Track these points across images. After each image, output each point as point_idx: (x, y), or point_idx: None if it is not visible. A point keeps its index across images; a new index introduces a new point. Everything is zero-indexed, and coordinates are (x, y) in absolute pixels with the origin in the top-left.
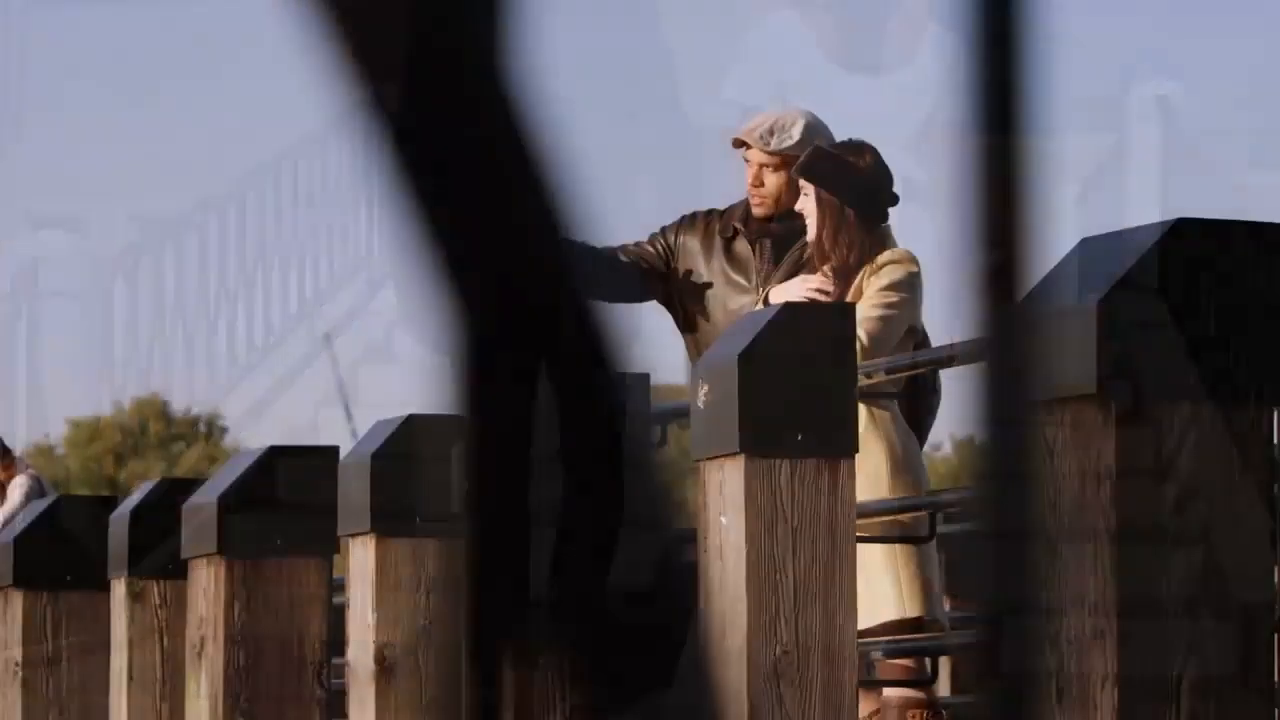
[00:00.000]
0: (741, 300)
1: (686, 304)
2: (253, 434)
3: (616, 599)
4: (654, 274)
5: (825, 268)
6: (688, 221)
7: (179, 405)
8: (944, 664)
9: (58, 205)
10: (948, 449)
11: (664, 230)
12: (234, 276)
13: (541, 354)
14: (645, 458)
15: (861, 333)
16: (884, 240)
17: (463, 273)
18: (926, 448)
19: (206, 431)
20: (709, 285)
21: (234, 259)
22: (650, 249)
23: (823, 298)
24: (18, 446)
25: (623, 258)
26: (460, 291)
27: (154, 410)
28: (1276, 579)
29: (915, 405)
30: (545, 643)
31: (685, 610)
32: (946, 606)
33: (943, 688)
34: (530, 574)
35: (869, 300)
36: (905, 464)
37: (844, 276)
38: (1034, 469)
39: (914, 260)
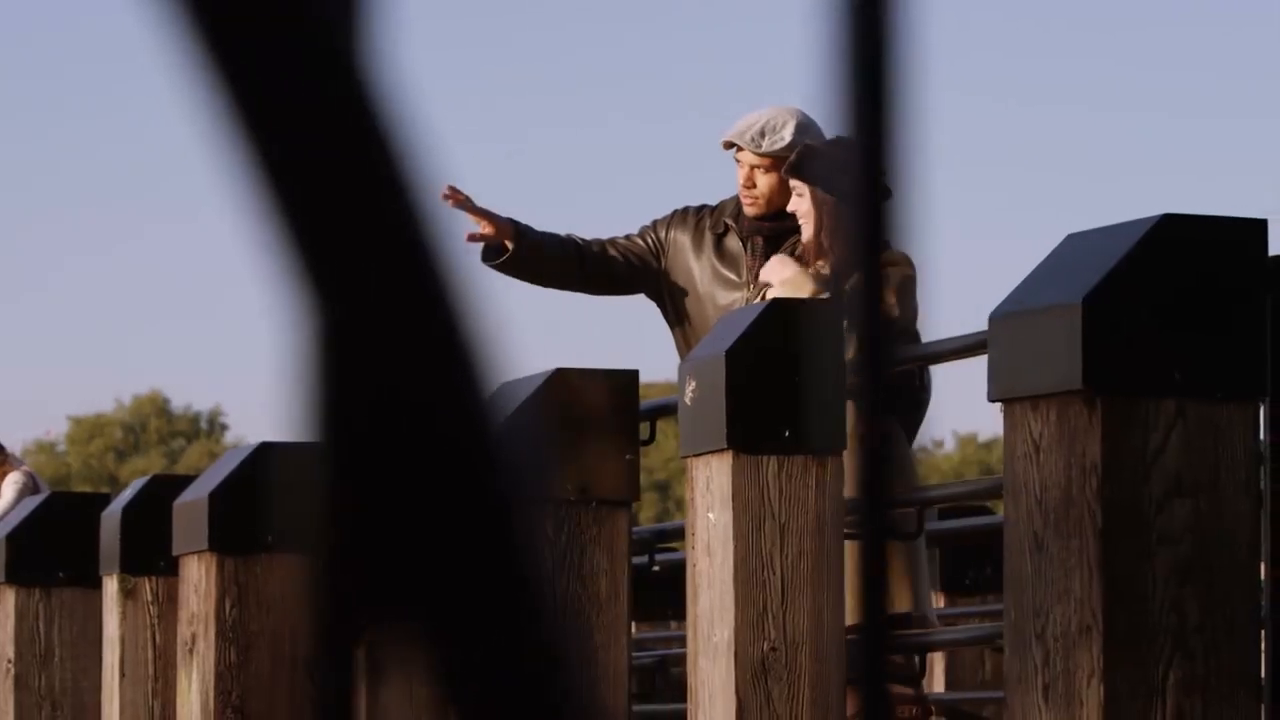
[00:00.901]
0: (731, 296)
1: (676, 299)
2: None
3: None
4: (644, 268)
5: (820, 264)
6: (679, 216)
7: (180, 402)
8: (938, 660)
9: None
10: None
11: (655, 224)
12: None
13: (404, 359)
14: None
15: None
16: None
17: (322, 273)
18: (928, 444)
19: (208, 428)
20: (699, 281)
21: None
22: (641, 243)
23: (803, 268)
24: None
25: (611, 251)
26: (319, 290)
27: (155, 407)
28: (1262, 574)
29: (905, 402)
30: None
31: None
32: (941, 603)
33: (937, 684)
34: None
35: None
36: (895, 461)
37: (842, 274)
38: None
39: (911, 263)
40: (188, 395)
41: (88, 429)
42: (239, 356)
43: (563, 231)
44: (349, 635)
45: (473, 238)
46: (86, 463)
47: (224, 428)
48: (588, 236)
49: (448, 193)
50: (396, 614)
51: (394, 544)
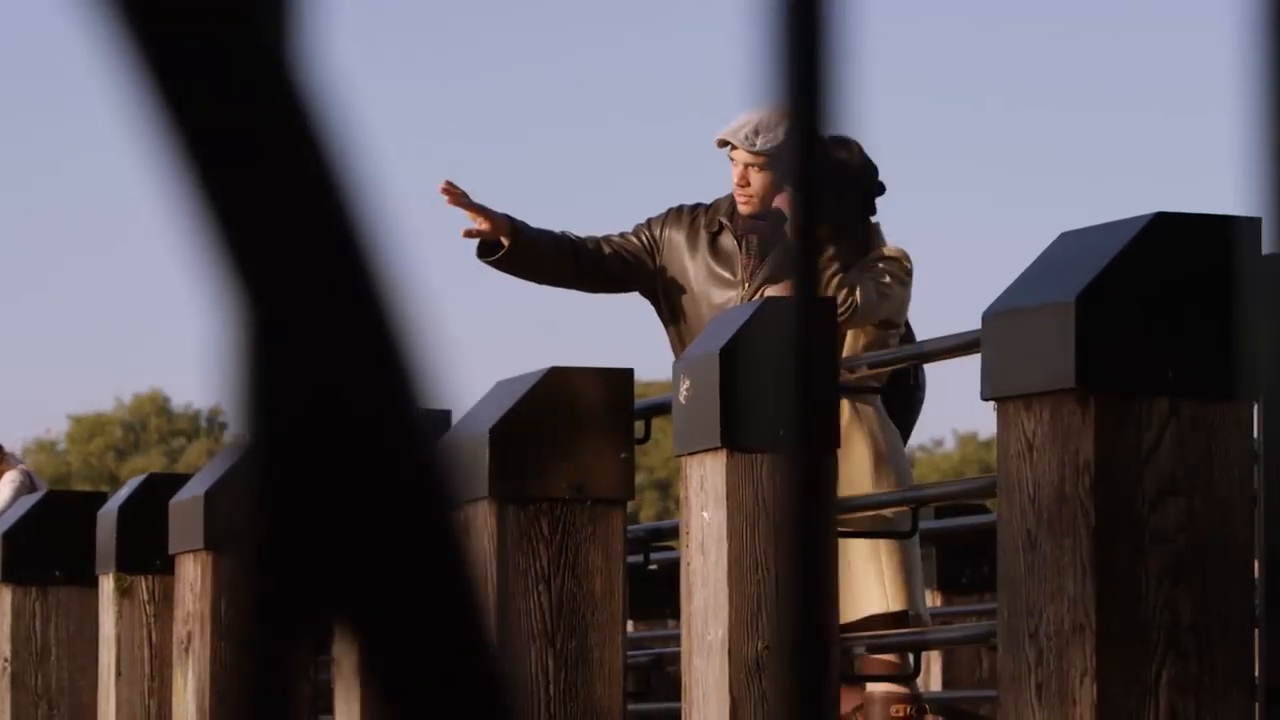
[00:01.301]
0: (726, 295)
1: (671, 297)
2: None
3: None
4: (639, 266)
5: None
6: (674, 214)
7: (180, 401)
8: (935, 659)
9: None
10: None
11: (649, 222)
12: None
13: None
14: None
15: (858, 294)
16: (875, 235)
17: (249, 269)
18: (928, 442)
19: (208, 427)
20: (694, 279)
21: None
22: (635, 240)
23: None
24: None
25: (606, 248)
26: (247, 289)
27: (155, 406)
28: (1256, 573)
29: (899, 400)
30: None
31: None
32: (938, 602)
33: (934, 682)
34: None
35: (868, 273)
36: (888, 458)
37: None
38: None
39: (908, 258)
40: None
41: (88, 428)
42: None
43: (558, 229)
44: (288, 633)
45: (468, 234)
46: (87, 461)
47: (224, 426)
48: (583, 234)
49: (444, 188)
50: (330, 613)
51: (323, 543)
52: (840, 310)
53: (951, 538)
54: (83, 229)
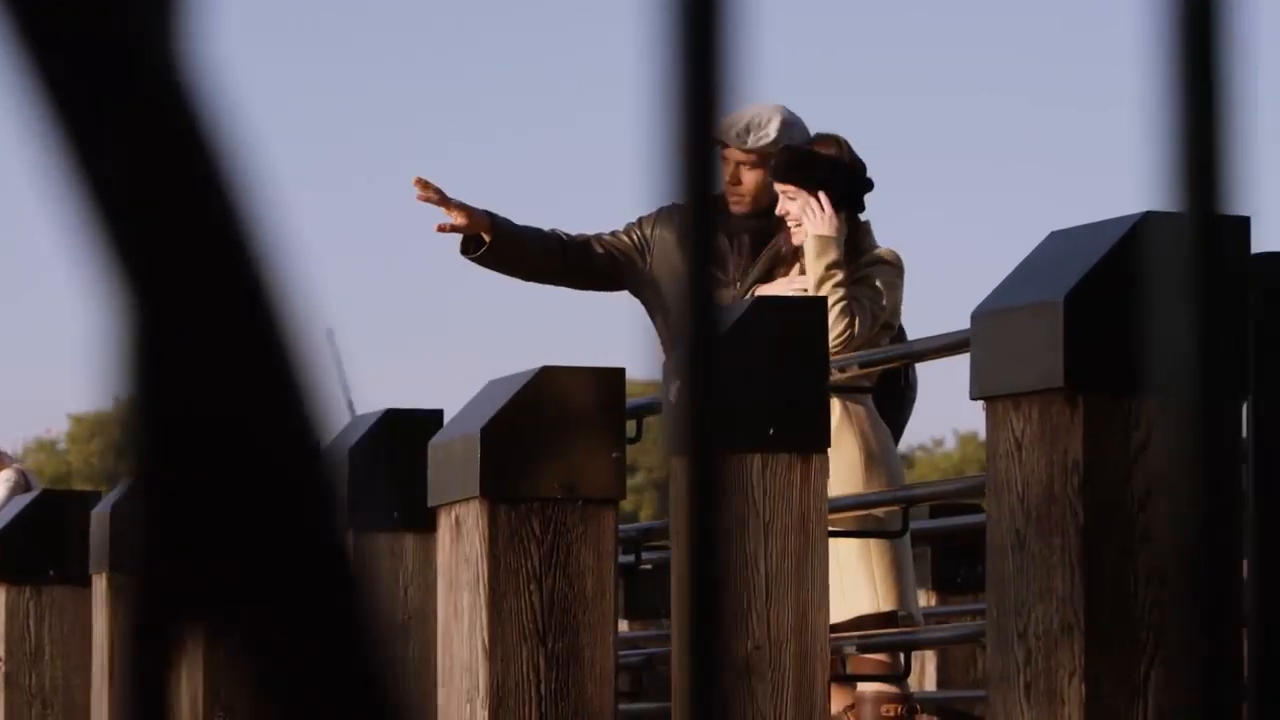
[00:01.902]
0: (718, 294)
1: (661, 296)
2: None
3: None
4: (628, 264)
5: (807, 239)
6: (665, 213)
7: None
8: (929, 659)
9: None
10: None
11: (640, 221)
12: None
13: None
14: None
15: (856, 325)
16: (866, 235)
17: (133, 264)
18: (928, 442)
19: None
20: (684, 279)
21: None
22: (626, 239)
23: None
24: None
25: (597, 247)
26: (132, 290)
27: None
28: (1245, 573)
29: (890, 400)
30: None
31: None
32: (933, 601)
33: (928, 682)
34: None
35: (863, 289)
36: (879, 458)
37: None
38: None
39: (898, 259)
40: None
41: (88, 427)
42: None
43: (548, 228)
44: (170, 635)
45: (442, 229)
46: (87, 461)
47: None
48: (574, 233)
49: (417, 186)
50: (219, 616)
51: (207, 548)
52: (836, 341)
53: (946, 537)
54: None
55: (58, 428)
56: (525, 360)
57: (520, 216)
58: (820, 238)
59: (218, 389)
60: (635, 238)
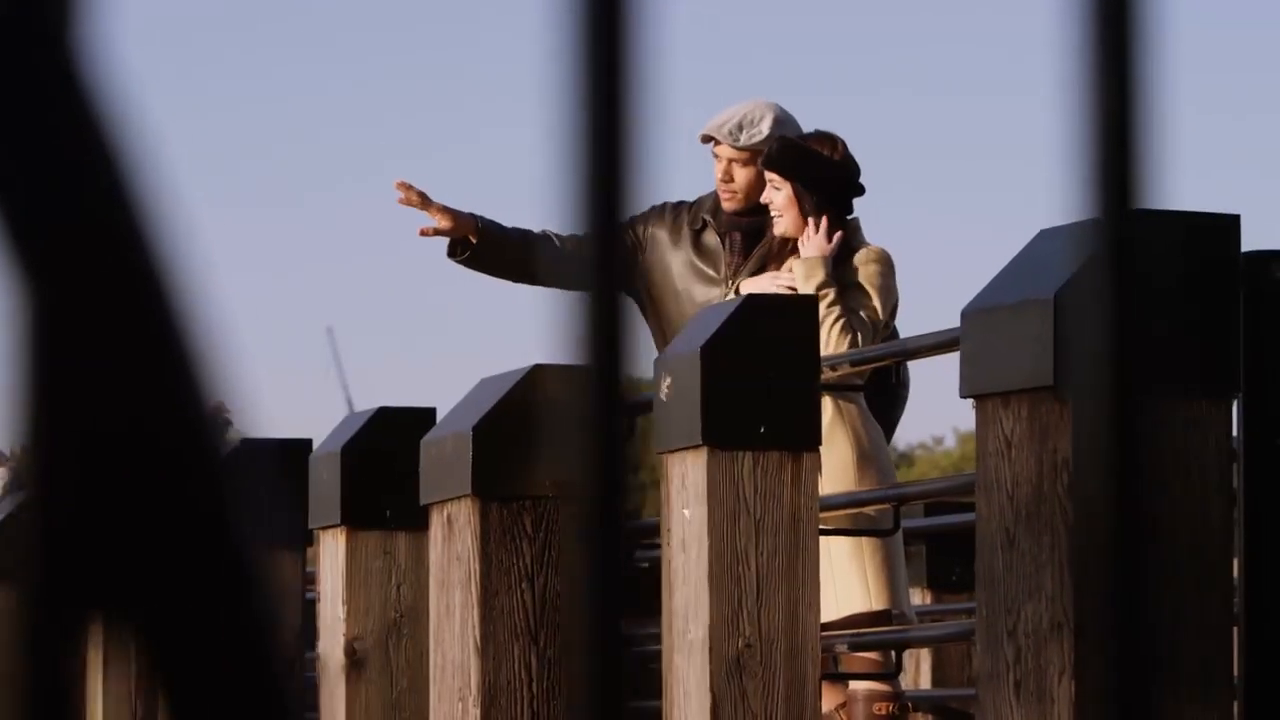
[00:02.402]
0: (709, 292)
1: (654, 295)
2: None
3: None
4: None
5: (795, 261)
6: (657, 212)
7: None
8: (924, 657)
9: None
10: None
11: (632, 220)
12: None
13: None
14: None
15: (859, 340)
16: (855, 234)
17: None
18: (929, 440)
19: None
20: (677, 277)
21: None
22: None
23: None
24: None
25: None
26: (31, 283)
27: None
28: (1236, 571)
29: (882, 398)
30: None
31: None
32: (928, 600)
33: (923, 680)
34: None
35: (860, 300)
36: (871, 456)
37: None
38: None
39: (889, 258)
40: None
41: None
42: (240, 351)
43: (538, 229)
44: (73, 623)
45: (424, 232)
46: None
47: (226, 424)
48: (565, 233)
49: (399, 189)
50: (117, 608)
51: (106, 539)
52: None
53: (941, 536)
54: None
55: None
56: (520, 359)
57: (522, 218)
58: (808, 260)
59: (115, 394)
60: (629, 237)
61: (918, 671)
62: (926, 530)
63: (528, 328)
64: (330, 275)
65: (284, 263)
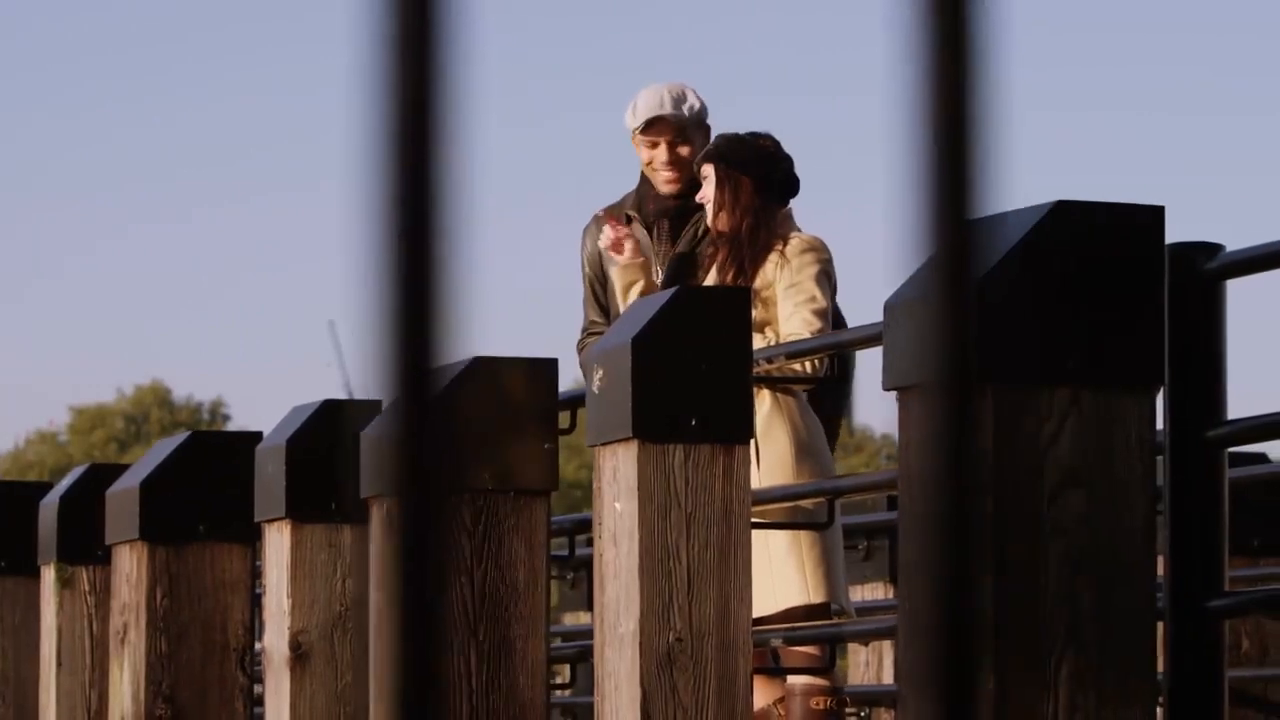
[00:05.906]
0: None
1: (611, 301)
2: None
3: None
4: (609, 299)
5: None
6: (589, 232)
7: (181, 393)
8: (887, 651)
9: None
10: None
11: (581, 251)
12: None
13: None
14: None
15: (806, 331)
16: (786, 221)
17: None
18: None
19: (209, 419)
20: (615, 276)
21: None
22: (593, 281)
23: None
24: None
25: (596, 315)
26: None
27: (156, 397)
28: (1160, 566)
29: (824, 390)
30: None
31: None
32: (890, 594)
33: (886, 675)
34: None
35: (800, 301)
36: (810, 449)
37: (748, 256)
38: None
39: (825, 247)
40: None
41: (89, 419)
42: (241, 348)
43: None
44: None
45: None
46: (88, 453)
47: (226, 418)
48: (586, 336)
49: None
50: None
51: None
52: (812, 372)
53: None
54: (85, 220)
55: (58, 420)
56: (493, 352)
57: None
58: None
59: None
60: (591, 271)
61: (880, 666)
62: (890, 524)
63: (526, 325)
64: (333, 269)
65: (285, 258)
